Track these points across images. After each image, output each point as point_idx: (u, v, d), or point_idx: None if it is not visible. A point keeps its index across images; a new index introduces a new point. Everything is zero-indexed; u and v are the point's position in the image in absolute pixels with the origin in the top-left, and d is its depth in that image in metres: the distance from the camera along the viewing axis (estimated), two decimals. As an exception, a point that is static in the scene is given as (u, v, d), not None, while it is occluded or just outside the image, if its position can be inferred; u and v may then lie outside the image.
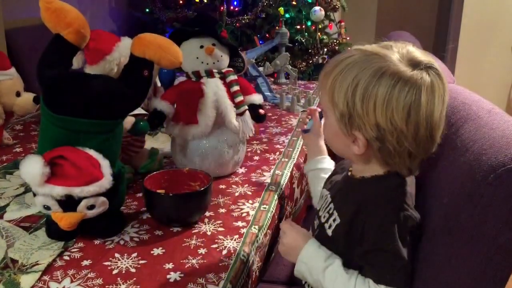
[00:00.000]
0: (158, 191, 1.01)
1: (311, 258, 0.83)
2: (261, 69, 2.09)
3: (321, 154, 1.13)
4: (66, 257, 0.88)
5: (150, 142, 1.44)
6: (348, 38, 3.17)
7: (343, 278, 0.78)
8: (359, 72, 0.76)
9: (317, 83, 2.31)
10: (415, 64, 0.76)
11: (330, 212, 0.86)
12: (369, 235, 0.77)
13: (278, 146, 1.45)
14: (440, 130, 0.78)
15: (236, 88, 1.19)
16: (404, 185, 0.81)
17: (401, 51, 0.78)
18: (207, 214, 1.04)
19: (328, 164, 1.11)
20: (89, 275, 0.83)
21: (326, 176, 1.02)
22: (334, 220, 0.84)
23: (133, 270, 0.84)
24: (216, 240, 0.94)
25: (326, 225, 0.86)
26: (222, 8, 2.96)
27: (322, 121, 1.09)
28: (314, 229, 0.92)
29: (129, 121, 1.14)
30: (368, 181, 0.83)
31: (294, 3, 2.98)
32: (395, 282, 0.76)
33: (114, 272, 0.84)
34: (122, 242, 0.93)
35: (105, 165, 0.88)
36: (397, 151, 0.77)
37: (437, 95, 0.75)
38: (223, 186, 1.18)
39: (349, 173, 0.89)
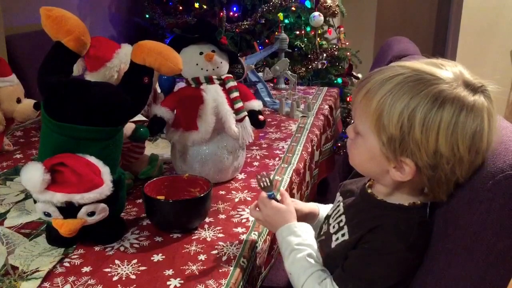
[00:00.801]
0: (158, 197, 1.01)
1: (285, 238, 0.88)
2: (260, 74, 2.10)
3: (308, 220, 1.00)
4: (67, 264, 0.88)
5: (150, 148, 1.44)
6: (347, 44, 3.18)
7: (305, 269, 0.83)
8: (414, 94, 0.70)
9: (316, 88, 2.31)
10: (472, 87, 0.72)
11: (341, 225, 0.85)
12: (364, 252, 0.78)
13: (277, 151, 1.46)
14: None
15: (235, 94, 1.19)
16: (425, 225, 0.77)
17: (455, 71, 0.74)
18: (207, 220, 1.04)
19: (314, 220, 1.02)
20: (89, 282, 0.83)
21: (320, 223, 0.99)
22: (342, 235, 0.83)
23: (133, 276, 0.85)
24: (216, 246, 0.94)
25: (334, 237, 0.85)
26: (221, 14, 2.97)
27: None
28: (320, 233, 0.92)
29: (129, 127, 1.14)
30: (390, 207, 0.80)
31: (293, 8, 2.99)
32: None
33: (114, 278, 0.84)
34: (122, 249, 0.93)
35: (105, 172, 0.89)
36: (447, 179, 0.72)
37: (494, 119, 0.73)
38: (223, 192, 1.18)
39: (369, 191, 0.85)
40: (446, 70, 0.74)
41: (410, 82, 0.71)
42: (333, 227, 0.87)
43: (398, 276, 0.77)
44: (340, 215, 0.88)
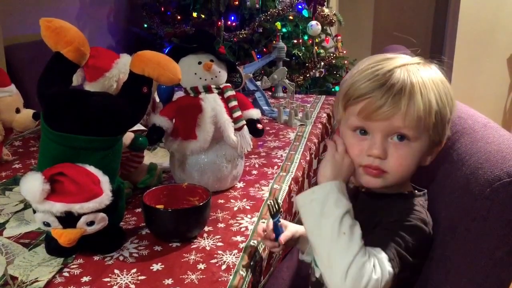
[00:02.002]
0: (157, 206, 1.01)
1: (333, 198, 0.77)
2: (258, 83, 2.11)
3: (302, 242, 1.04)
4: (66, 274, 0.88)
5: (148, 157, 1.44)
6: (344, 52, 3.20)
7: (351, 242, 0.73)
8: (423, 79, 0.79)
9: (314, 97, 2.32)
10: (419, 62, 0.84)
11: None
12: (380, 228, 0.79)
13: (276, 160, 1.46)
14: None
15: (234, 103, 1.20)
16: (425, 204, 0.83)
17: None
18: (206, 229, 1.04)
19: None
20: (88, 292, 0.83)
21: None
22: None
23: (132, 286, 0.85)
24: (215, 255, 0.94)
25: None
26: (219, 23, 2.99)
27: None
28: None
29: (128, 136, 1.14)
30: (393, 196, 0.84)
31: (291, 17, 3.01)
32: (391, 252, 0.74)
33: (114, 288, 0.84)
34: (121, 258, 0.93)
35: (104, 182, 0.89)
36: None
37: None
38: (222, 201, 1.19)
39: (363, 190, 0.88)
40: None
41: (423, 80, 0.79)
42: None
43: (416, 242, 0.76)
44: None
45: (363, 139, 0.81)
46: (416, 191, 0.86)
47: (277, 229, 0.95)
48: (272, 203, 0.95)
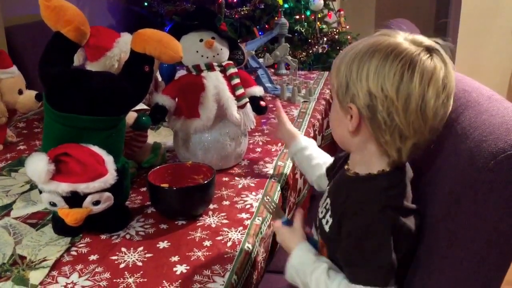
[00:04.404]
0: (162, 185, 1.01)
1: (301, 263, 0.84)
2: (261, 60, 2.09)
3: (296, 136, 1.15)
4: (74, 253, 0.89)
5: (152, 137, 1.45)
6: (347, 27, 3.17)
7: (326, 283, 0.79)
8: (360, 47, 0.79)
9: (317, 73, 2.31)
10: (417, 43, 0.77)
11: (327, 207, 0.86)
12: (352, 234, 0.77)
13: (280, 137, 1.46)
14: (438, 116, 0.77)
15: (236, 80, 1.19)
16: (395, 186, 0.79)
17: (405, 34, 0.80)
18: (211, 206, 1.05)
19: (306, 141, 1.14)
20: (96, 270, 0.84)
21: (310, 152, 1.09)
22: (330, 216, 0.84)
23: (139, 263, 0.86)
24: (220, 232, 0.95)
25: (324, 221, 0.86)
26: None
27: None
28: (317, 225, 0.92)
29: (131, 116, 1.14)
30: (360, 180, 0.83)
31: (292, -7, 2.98)
32: (371, 281, 0.75)
33: (121, 266, 0.85)
34: (128, 237, 0.94)
35: (109, 161, 0.89)
36: (387, 126, 0.76)
37: (435, 77, 0.75)
38: (226, 179, 1.19)
39: (346, 167, 0.88)
40: (398, 33, 0.80)
41: (364, 47, 0.79)
42: (321, 212, 0.88)
43: (397, 243, 0.76)
44: (325, 200, 0.89)
45: None
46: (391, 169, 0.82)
47: (290, 224, 0.94)
48: (269, 205, 0.98)
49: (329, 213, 0.85)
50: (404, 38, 0.78)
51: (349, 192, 0.82)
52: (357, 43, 0.81)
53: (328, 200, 0.87)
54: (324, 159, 1.09)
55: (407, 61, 0.74)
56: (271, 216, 0.99)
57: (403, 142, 0.77)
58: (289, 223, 0.93)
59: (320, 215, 0.88)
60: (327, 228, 0.84)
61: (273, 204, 0.99)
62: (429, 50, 0.76)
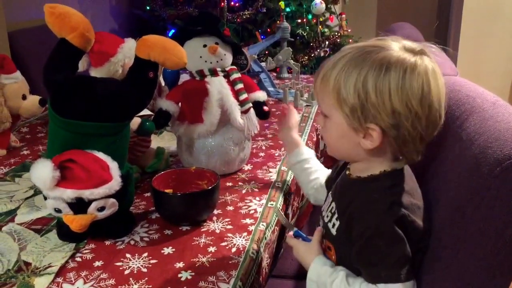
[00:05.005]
0: (166, 190, 1.02)
1: (319, 276, 0.85)
2: (263, 64, 2.10)
3: (298, 146, 1.14)
4: (78, 259, 0.89)
5: (156, 142, 1.45)
6: (349, 31, 3.17)
7: None
8: (363, 65, 0.77)
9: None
10: (412, 51, 0.79)
11: (333, 211, 0.87)
12: (363, 235, 0.78)
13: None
14: (444, 109, 0.80)
15: (240, 86, 1.19)
16: (398, 184, 0.81)
17: (394, 40, 0.81)
18: (215, 212, 1.05)
19: (308, 153, 1.13)
20: (101, 276, 0.84)
21: (310, 166, 1.09)
22: (336, 219, 0.85)
23: (144, 270, 0.86)
24: (225, 238, 0.95)
25: (330, 224, 0.87)
26: (222, 4, 2.96)
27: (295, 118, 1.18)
28: (321, 229, 0.93)
29: (135, 121, 1.15)
30: (363, 182, 0.84)
31: (294, -4, 2.98)
32: (392, 277, 0.76)
33: (126, 272, 0.85)
34: (132, 242, 0.94)
35: (113, 167, 0.89)
36: (411, 136, 0.78)
37: (439, 76, 0.79)
38: (230, 184, 1.19)
39: (347, 172, 0.89)
40: (387, 41, 0.81)
41: (358, 57, 0.79)
42: (327, 216, 0.89)
43: (408, 239, 0.77)
44: (330, 204, 0.89)
45: None
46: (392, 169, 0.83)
47: (301, 235, 0.96)
48: (281, 217, 1.01)
49: (336, 216, 0.86)
50: (399, 47, 0.79)
51: (354, 194, 0.83)
52: (346, 59, 0.79)
53: (334, 204, 0.88)
54: (323, 173, 1.09)
55: (420, 72, 0.76)
56: (286, 229, 1.00)
57: (421, 144, 0.80)
58: (299, 234, 0.95)
59: (326, 219, 0.89)
60: (334, 231, 0.85)
61: (284, 217, 1.01)
62: (422, 54, 0.79)
